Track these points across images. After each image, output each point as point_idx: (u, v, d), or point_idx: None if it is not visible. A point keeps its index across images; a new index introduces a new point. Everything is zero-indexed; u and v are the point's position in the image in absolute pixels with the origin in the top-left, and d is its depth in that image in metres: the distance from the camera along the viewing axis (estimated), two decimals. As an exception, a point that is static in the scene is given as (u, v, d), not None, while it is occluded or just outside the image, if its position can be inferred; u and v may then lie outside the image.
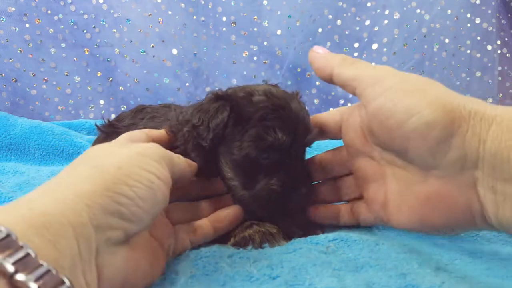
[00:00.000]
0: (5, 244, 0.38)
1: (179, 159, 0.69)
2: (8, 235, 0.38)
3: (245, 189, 0.79)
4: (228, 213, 0.79)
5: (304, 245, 0.74)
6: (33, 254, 0.38)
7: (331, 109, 0.84)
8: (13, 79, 2.28)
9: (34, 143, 1.68)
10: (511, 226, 0.51)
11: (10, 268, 0.36)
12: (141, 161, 0.57)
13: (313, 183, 0.85)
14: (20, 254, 0.37)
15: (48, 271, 0.38)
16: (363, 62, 0.69)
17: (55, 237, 0.42)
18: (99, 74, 2.41)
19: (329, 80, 0.73)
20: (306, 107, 0.85)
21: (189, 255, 0.70)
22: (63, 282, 0.38)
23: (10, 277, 0.36)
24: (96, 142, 1.59)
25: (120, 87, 2.44)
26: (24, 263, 0.37)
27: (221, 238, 0.79)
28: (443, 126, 0.53)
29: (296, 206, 0.79)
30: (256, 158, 0.77)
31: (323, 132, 0.82)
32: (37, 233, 0.41)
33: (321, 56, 0.73)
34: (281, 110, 0.77)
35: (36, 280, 0.37)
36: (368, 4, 2.49)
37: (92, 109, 2.43)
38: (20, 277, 0.36)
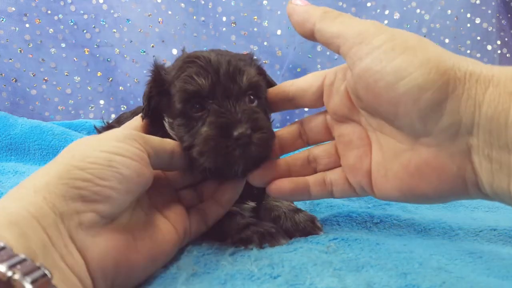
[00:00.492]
0: None
1: (154, 138, 0.69)
2: None
3: (190, 149, 0.75)
4: (226, 187, 0.78)
5: (304, 244, 0.74)
6: (6, 247, 0.40)
7: (307, 74, 0.74)
8: (13, 79, 2.29)
9: (34, 143, 1.69)
10: (506, 196, 0.48)
11: None
12: (98, 144, 0.58)
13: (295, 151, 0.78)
14: None
15: (24, 259, 0.39)
16: (348, 16, 0.61)
17: (23, 231, 0.44)
18: (99, 74, 2.41)
19: (311, 36, 0.63)
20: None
21: (192, 251, 0.70)
22: (38, 268, 0.39)
23: None
24: None
25: (120, 87, 2.45)
26: (0, 256, 0.38)
27: (220, 237, 0.79)
28: (437, 89, 0.49)
29: (235, 152, 0.70)
30: (187, 113, 0.76)
31: (298, 101, 0.75)
32: (7, 229, 0.43)
33: (300, 8, 0.64)
34: (196, 60, 0.77)
35: (11, 267, 0.37)
36: (368, 4, 2.49)
37: (92, 109, 2.43)
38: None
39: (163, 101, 0.81)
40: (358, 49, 0.56)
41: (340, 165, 0.70)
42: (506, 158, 0.46)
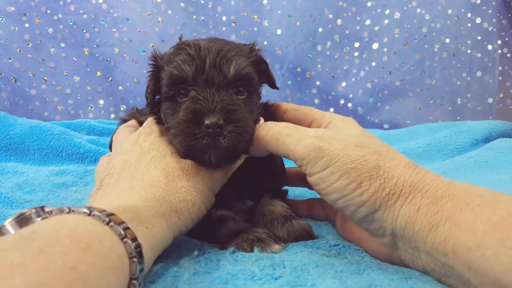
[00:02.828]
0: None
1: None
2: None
3: (169, 131, 0.78)
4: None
5: (305, 248, 0.73)
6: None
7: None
8: (12, 79, 2.28)
9: (34, 143, 1.68)
10: (423, 270, 0.63)
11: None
12: (207, 199, 0.75)
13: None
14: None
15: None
16: (294, 137, 0.74)
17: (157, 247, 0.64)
18: (98, 74, 2.41)
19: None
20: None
21: (193, 250, 0.70)
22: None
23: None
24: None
25: (120, 87, 2.44)
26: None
27: (212, 242, 0.78)
28: (367, 206, 0.65)
29: (202, 140, 0.71)
30: (174, 97, 0.79)
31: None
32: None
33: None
34: (186, 47, 0.78)
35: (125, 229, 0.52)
36: (369, 4, 2.49)
37: (92, 109, 2.42)
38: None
39: (159, 85, 0.83)
40: (306, 168, 0.71)
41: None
42: (417, 254, 0.63)
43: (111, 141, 1.28)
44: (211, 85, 0.75)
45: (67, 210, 0.51)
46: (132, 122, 1.00)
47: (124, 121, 1.46)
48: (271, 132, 0.75)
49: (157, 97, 0.87)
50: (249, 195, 0.87)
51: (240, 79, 0.78)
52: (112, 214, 0.53)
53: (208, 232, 0.78)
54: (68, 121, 2.11)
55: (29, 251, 0.40)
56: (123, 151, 0.80)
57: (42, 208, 0.51)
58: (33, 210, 0.51)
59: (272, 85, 0.91)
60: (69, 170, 1.48)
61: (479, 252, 0.52)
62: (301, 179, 0.96)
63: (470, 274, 0.53)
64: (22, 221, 0.50)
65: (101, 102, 2.43)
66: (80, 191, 1.27)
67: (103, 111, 2.43)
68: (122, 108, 2.41)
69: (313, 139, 0.70)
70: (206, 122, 0.70)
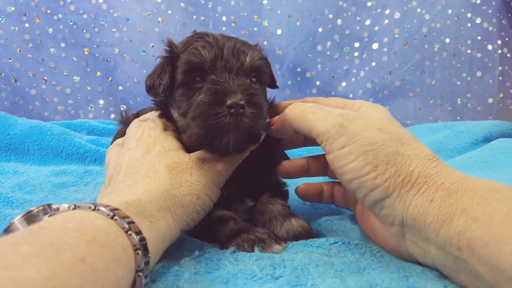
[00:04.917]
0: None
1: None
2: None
3: (185, 116, 0.78)
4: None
5: (305, 248, 0.73)
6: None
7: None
8: (12, 79, 2.28)
9: (34, 143, 1.68)
10: (433, 266, 0.62)
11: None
12: (212, 192, 0.75)
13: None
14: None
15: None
16: (317, 113, 0.74)
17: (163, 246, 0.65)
18: (98, 74, 2.41)
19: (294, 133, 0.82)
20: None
21: (194, 250, 0.70)
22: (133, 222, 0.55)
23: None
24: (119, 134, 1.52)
25: (120, 87, 2.44)
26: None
27: (212, 241, 0.78)
28: (380, 191, 0.64)
29: (225, 119, 0.70)
30: (189, 83, 0.79)
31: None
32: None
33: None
34: (204, 36, 0.81)
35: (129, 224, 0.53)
36: (369, 4, 2.49)
37: (92, 109, 2.42)
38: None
39: (174, 74, 0.83)
40: (325, 144, 0.71)
41: None
42: (428, 247, 0.61)
43: (112, 142, 1.27)
44: (229, 71, 0.77)
45: (73, 206, 0.53)
46: (146, 116, 0.98)
47: (122, 122, 1.45)
48: (296, 110, 0.77)
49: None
50: (250, 195, 0.87)
51: (254, 70, 0.81)
52: (116, 209, 0.54)
53: (209, 232, 0.78)
54: (68, 121, 2.11)
55: (39, 244, 0.41)
56: (129, 148, 0.82)
57: (49, 205, 0.53)
58: (41, 208, 0.52)
59: (273, 83, 0.92)
60: (69, 170, 1.48)
61: (497, 248, 0.50)
62: (322, 168, 0.92)
63: (486, 270, 0.51)
64: (30, 218, 0.51)
65: (101, 102, 2.44)
66: (80, 191, 1.27)
67: (103, 111, 2.43)
68: (122, 108, 2.41)
69: (336, 117, 0.71)
70: (229, 102, 0.70)
